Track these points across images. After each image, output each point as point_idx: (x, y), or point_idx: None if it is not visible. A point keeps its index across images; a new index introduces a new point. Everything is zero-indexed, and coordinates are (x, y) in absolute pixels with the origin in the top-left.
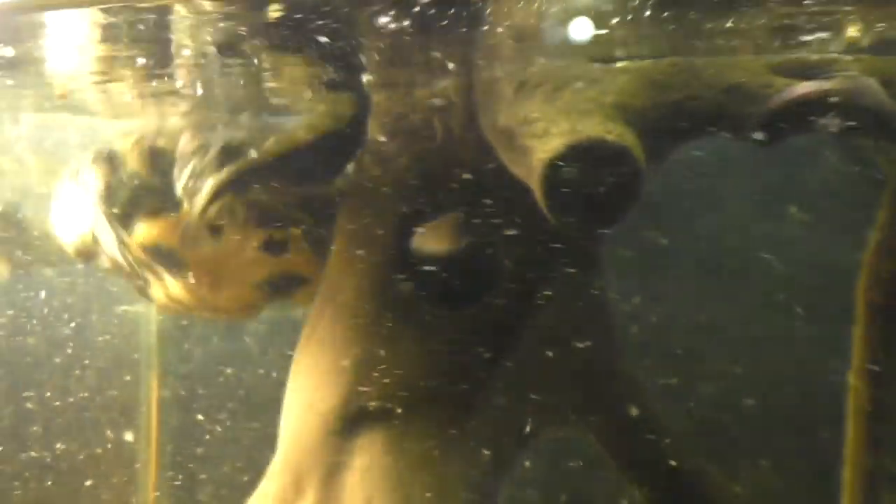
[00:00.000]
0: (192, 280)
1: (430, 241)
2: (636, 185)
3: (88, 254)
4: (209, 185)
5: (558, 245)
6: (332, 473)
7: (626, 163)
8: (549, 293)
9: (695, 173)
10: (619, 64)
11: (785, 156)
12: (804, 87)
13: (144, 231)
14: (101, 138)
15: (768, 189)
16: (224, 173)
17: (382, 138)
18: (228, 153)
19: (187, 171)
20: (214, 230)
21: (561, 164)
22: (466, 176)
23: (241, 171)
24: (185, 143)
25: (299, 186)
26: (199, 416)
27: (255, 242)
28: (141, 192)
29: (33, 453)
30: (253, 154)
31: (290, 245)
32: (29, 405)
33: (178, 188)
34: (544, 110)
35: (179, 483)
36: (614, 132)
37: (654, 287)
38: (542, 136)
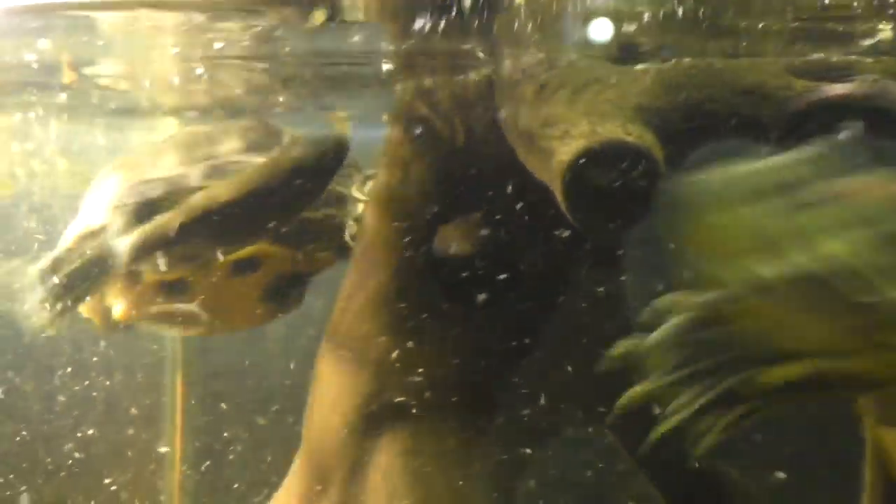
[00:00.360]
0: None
1: (452, 240)
2: (655, 186)
3: (116, 327)
4: (128, 245)
5: (578, 245)
6: (354, 471)
7: (646, 164)
8: (569, 293)
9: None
10: (638, 66)
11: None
12: (830, 91)
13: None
14: (125, 139)
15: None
16: (140, 234)
17: (405, 140)
18: (143, 210)
19: (114, 228)
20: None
21: (581, 165)
22: (488, 176)
23: (158, 233)
24: (113, 198)
25: (226, 243)
26: (223, 405)
27: (222, 273)
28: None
29: (67, 445)
30: (172, 212)
31: (262, 257)
32: (61, 398)
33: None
34: (564, 112)
35: (203, 474)
36: (634, 134)
37: (672, 284)
38: (562, 137)
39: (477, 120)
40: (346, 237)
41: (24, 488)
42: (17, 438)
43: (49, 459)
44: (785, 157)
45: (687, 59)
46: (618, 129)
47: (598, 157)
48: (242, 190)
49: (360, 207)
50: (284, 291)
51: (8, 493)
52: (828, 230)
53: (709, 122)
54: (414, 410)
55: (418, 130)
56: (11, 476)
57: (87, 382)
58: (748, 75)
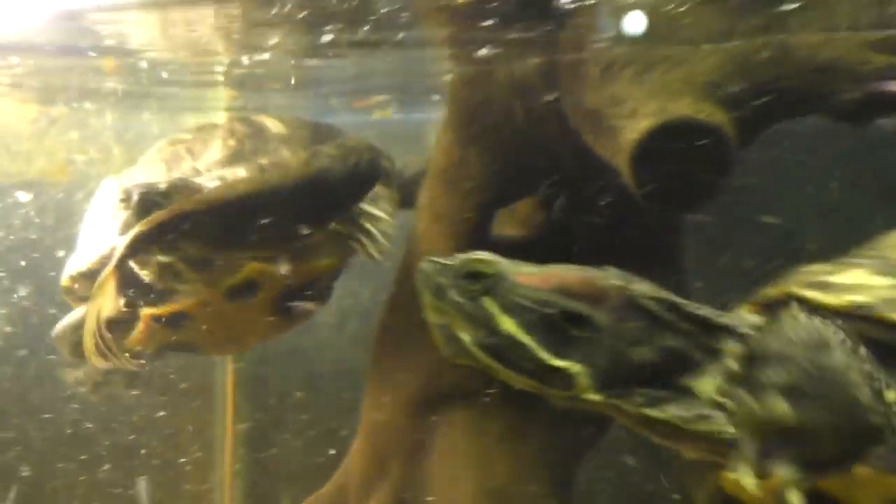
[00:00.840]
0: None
1: (510, 224)
2: (727, 165)
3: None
4: (126, 239)
5: (640, 227)
6: (414, 453)
7: (718, 143)
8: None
9: (777, 155)
10: (707, 44)
11: (872, 139)
12: None
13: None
14: (178, 128)
15: (853, 173)
16: (144, 223)
17: (463, 123)
18: (147, 203)
19: (117, 224)
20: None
21: (650, 143)
22: (547, 159)
23: (162, 220)
24: (115, 193)
25: (231, 243)
26: (272, 401)
27: (218, 301)
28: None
29: (121, 429)
30: (175, 205)
31: (257, 279)
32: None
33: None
34: (632, 91)
35: (255, 462)
36: (705, 112)
37: (726, 269)
38: (630, 116)
39: (537, 102)
40: (373, 252)
41: (82, 477)
42: (72, 428)
43: (106, 443)
44: (483, 253)
45: (759, 36)
46: (688, 107)
47: (668, 136)
48: (255, 189)
49: (379, 221)
50: (294, 303)
51: (71, 477)
52: (505, 312)
53: (782, 100)
54: (474, 392)
55: (476, 112)
56: (75, 458)
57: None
58: (823, 51)
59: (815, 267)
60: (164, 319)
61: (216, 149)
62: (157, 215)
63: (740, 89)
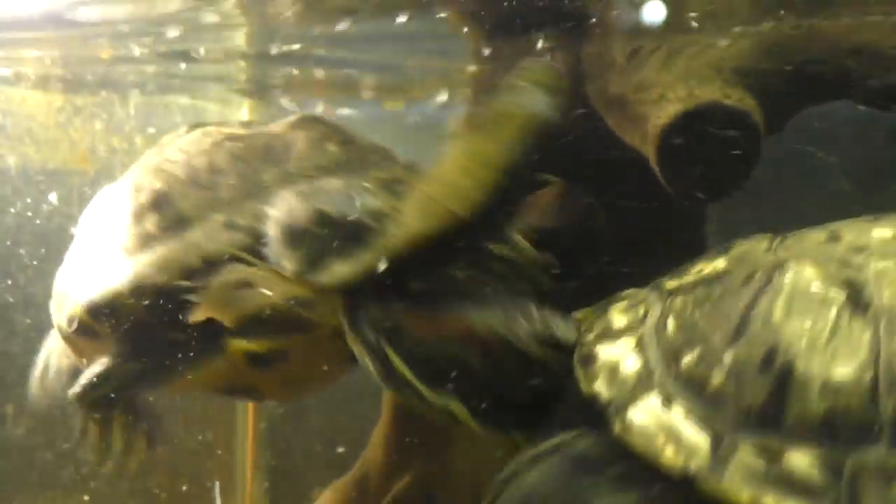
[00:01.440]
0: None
1: (532, 213)
2: (755, 151)
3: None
4: (344, 271)
5: (665, 217)
6: (438, 442)
7: (746, 128)
8: (652, 266)
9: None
10: (737, 28)
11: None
12: None
13: None
14: (201, 118)
15: (877, 163)
16: (367, 257)
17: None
18: (361, 228)
19: (302, 252)
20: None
21: (678, 129)
22: (570, 148)
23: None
24: (290, 211)
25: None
26: None
27: (322, 339)
28: None
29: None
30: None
31: None
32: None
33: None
34: (659, 76)
35: (276, 451)
36: (733, 97)
37: None
38: (657, 102)
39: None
40: None
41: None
42: None
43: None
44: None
45: (789, 20)
46: (716, 93)
47: (696, 121)
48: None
49: None
50: None
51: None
52: (397, 354)
53: (813, 85)
54: None
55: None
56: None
57: None
58: (853, 36)
59: (617, 308)
60: (256, 357)
61: (307, 151)
62: (391, 245)
63: (769, 75)
